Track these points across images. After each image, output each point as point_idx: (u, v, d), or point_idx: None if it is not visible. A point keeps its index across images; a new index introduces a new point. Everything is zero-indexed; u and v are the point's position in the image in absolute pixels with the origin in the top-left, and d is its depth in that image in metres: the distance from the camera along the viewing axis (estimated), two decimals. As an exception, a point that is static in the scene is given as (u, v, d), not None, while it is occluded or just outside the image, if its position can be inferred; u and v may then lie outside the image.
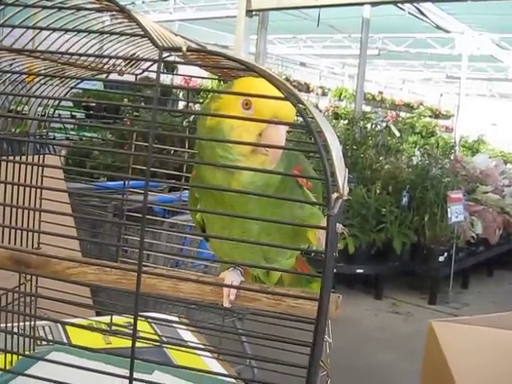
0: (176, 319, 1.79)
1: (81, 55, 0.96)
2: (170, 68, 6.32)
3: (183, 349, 1.43)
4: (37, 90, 1.18)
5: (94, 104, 8.12)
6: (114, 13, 0.76)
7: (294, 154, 0.94)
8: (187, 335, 1.64)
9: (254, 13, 6.75)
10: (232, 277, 0.96)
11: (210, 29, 13.16)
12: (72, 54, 0.94)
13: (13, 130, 1.27)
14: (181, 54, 0.62)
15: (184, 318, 1.82)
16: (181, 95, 9.31)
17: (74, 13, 0.86)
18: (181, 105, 9.73)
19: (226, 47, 12.01)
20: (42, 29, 0.73)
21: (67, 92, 1.30)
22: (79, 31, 0.77)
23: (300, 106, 0.59)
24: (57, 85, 1.21)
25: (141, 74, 1.23)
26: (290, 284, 1.11)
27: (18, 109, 1.27)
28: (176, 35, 0.79)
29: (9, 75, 1.09)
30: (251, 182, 0.83)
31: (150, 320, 1.62)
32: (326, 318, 0.71)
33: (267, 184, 0.85)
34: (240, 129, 0.80)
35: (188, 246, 2.93)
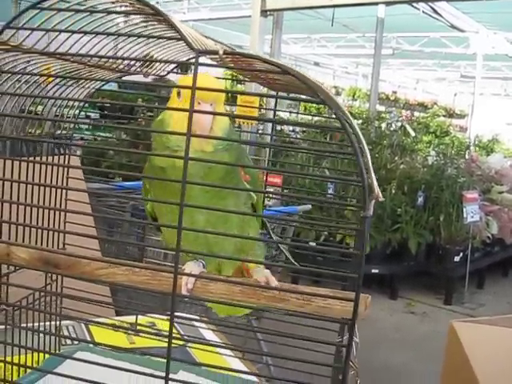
0: (197, 318, 1.80)
1: (114, 58, 0.96)
2: (184, 68, 6.31)
3: (207, 348, 1.44)
4: (50, 89, 1.18)
5: (108, 104, 8.16)
6: (150, 16, 0.77)
7: (241, 151, 0.97)
8: (209, 334, 1.65)
9: (268, 13, 6.75)
10: (191, 267, 0.98)
11: (224, 29, 13.18)
12: (106, 57, 0.95)
13: (29, 130, 1.28)
14: (217, 57, 0.62)
15: (204, 316, 1.82)
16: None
17: (90, 14, 0.87)
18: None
19: (240, 47, 12.01)
20: (73, 32, 0.74)
21: (87, 93, 1.31)
22: (112, 34, 0.77)
23: (339, 111, 0.60)
24: (71, 85, 1.21)
25: (165, 75, 1.24)
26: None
27: (33, 109, 1.28)
28: (207, 37, 0.80)
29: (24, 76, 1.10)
30: (192, 163, 0.84)
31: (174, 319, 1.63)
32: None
33: (209, 169, 0.89)
34: (175, 116, 0.90)
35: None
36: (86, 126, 7.56)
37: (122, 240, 1.94)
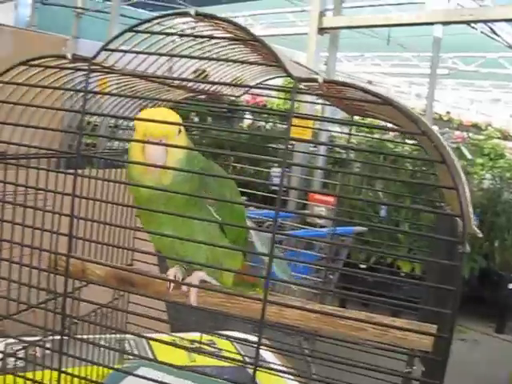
0: (255, 338, 1.78)
1: (214, 83, 0.97)
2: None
3: (268, 370, 1.42)
4: (107, 102, 1.19)
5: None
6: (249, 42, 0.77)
7: (203, 178, 0.99)
8: (268, 355, 1.64)
9: (325, 31, 6.75)
10: (173, 272, 1.05)
11: (278, 45, 13.23)
12: (206, 83, 0.95)
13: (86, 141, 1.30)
14: (316, 84, 0.62)
15: (265, 337, 1.81)
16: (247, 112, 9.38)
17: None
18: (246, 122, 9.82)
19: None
20: (170, 55, 0.74)
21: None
22: (210, 59, 0.78)
23: (439, 143, 0.58)
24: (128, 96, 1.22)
25: (242, 95, 1.24)
26: (236, 285, 1.15)
27: (90, 120, 1.30)
28: (295, 62, 0.80)
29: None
30: (150, 194, 0.93)
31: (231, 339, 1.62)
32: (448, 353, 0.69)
33: (168, 198, 0.94)
34: (132, 150, 0.93)
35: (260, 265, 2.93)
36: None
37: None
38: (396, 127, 0.71)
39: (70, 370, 1.06)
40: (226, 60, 0.85)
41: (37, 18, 9.92)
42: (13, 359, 1.20)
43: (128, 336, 1.60)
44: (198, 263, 1.01)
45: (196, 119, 9.36)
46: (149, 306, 1.26)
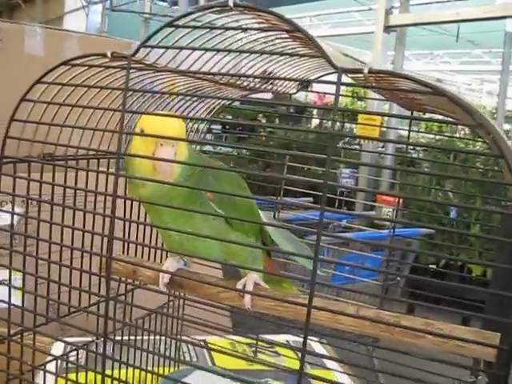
0: (317, 344, 1.74)
1: (247, 76, 0.95)
2: (305, 86, 6.30)
3: (328, 377, 1.38)
4: (175, 104, 1.18)
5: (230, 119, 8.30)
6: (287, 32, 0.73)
7: (202, 174, 0.99)
8: (331, 362, 1.59)
9: (391, 29, 6.63)
10: (169, 263, 1.06)
11: (344, 45, 13.13)
12: (248, 77, 0.93)
13: None
14: (361, 75, 0.58)
15: (326, 343, 1.76)
16: (315, 112, 9.33)
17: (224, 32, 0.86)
18: (314, 122, 9.75)
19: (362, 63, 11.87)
20: (209, 50, 0.72)
21: (211, 108, 1.30)
22: (255, 52, 0.75)
23: (498, 136, 0.53)
24: (196, 100, 1.21)
25: (295, 93, 1.21)
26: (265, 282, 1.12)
27: None
28: (345, 55, 0.76)
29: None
30: (151, 193, 0.93)
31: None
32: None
33: (169, 196, 0.94)
34: (139, 152, 0.92)
35: (324, 268, 2.89)
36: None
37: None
38: (452, 120, 0.66)
39: (123, 373, 1.05)
40: (272, 53, 0.81)
41: (107, 24, 10.18)
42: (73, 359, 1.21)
43: (185, 337, 1.59)
44: (216, 260, 1.04)
45: (263, 120, 9.37)
46: (207, 310, 1.24)
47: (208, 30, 0.74)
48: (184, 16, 0.69)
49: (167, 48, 0.73)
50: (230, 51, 0.74)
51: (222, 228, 1.04)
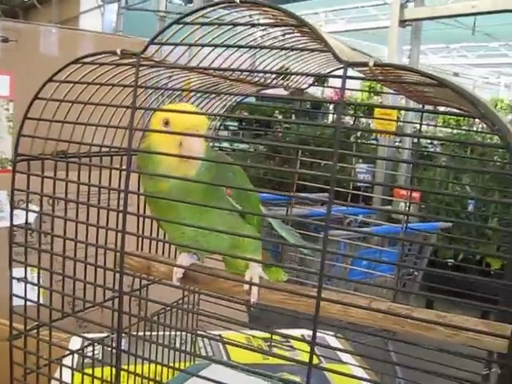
0: (332, 338, 1.74)
1: (258, 72, 0.95)
2: (321, 81, 6.28)
3: (344, 371, 1.38)
4: (193, 102, 1.19)
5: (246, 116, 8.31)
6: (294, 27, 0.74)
7: (221, 167, 1.00)
8: (346, 356, 1.59)
9: (407, 23, 6.59)
10: (182, 258, 1.07)
11: (361, 40, 13.07)
12: (254, 71, 0.93)
13: None
14: (367, 69, 0.58)
15: (341, 337, 1.76)
16: (331, 107, 9.29)
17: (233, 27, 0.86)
18: (330, 117, 9.73)
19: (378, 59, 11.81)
20: (217, 46, 0.72)
21: (227, 106, 1.31)
22: (262, 48, 0.75)
23: (502, 127, 0.54)
24: (213, 98, 1.22)
25: (307, 88, 1.21)
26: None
27: None
28: (353, 49, 0.76)
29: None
30: (173, 186, 0.94)
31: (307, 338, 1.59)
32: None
33: (188, 190, 0.93)
34: (164, 144, 0.92)
35: (341, 263, 2.89)
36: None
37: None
38: (458, 111, 0.66)
39: (138, 368, 1.07)
40: (281, 48, 0.82)
41: (122, 23, 10.22)
42: (89, 353, 1.22)
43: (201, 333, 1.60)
44: (224, 253, 1.06)
45: (280, 116, 9.36)
46: (223, 305, 1.25)
47: (217, 26, 0.75)
48: (193, 12, 0.69)
49: (176, 45, 0.74)
50: (239, 47, 0.74)
51: (237, 222, 1.05)
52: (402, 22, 6.48)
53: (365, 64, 0.58)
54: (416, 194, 4.59)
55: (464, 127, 9.02)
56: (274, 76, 1.19)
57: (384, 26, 8.39)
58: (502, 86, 19.47)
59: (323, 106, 9.36)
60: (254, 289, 0.96)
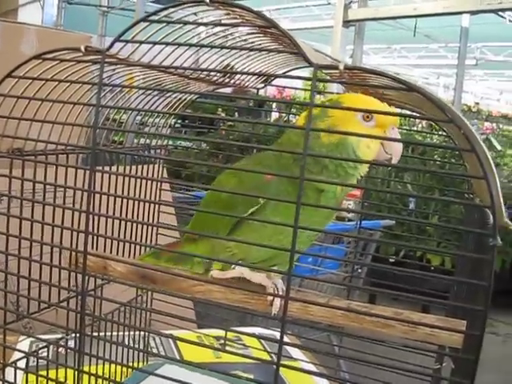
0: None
1: (229, 72, 0.95)
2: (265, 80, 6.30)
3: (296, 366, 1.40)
4: (135, 99, 1.17)
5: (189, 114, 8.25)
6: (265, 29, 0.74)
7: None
8: (296, 352, 1.61)
9: (350, 23, 6.69)
10: (275, 283, 0.93)
11: (304, 39, 13.16)
12: (230, 72, 0.93)
13: (113, 138, 1.29)
14: (337, 71, 0.59)
15: (291, 334, 1.78)
16: (274, 106, 9.35)
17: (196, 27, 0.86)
18: (273, 115, 9.79)
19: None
20: (189, 45, 0.72)
21: (169, 102, 1.30)
22: (232, 48, 0.75)
23: (468, 132, 0.55)
24: (156, 95, 1.19)
25: (263, 87, 1.22)
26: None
27: (117, 117, 1.27)
28: (317, 51, 0.77)
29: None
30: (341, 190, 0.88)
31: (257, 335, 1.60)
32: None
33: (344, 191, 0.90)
34: (366, 141, 0.83)
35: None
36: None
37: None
38: (422, 115, 0.68)
39: (93, 368, 1.05)
40: (248, 49, 0.82)
41: (63, 17, 10.02)
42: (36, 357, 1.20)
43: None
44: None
45: (223, 114, 9.35)
46: (174, 303, 1.24)
47: (182, 24, 0.74)
48: (160, 11, 0.69)
49: (141, 43, 0.74)
50: (201, 46, 0.74)
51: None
52: (346, 23, 6.57)
53: (335, 67, 0.59)
54: (357, 192, 4.67)
55: (405, 127, 9.21)
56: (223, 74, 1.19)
57: (328, 25, 8.50)
58: (441, 87, 19.99)
59: (266, 104, 9.40)
60: (277, 300, 0.90)
